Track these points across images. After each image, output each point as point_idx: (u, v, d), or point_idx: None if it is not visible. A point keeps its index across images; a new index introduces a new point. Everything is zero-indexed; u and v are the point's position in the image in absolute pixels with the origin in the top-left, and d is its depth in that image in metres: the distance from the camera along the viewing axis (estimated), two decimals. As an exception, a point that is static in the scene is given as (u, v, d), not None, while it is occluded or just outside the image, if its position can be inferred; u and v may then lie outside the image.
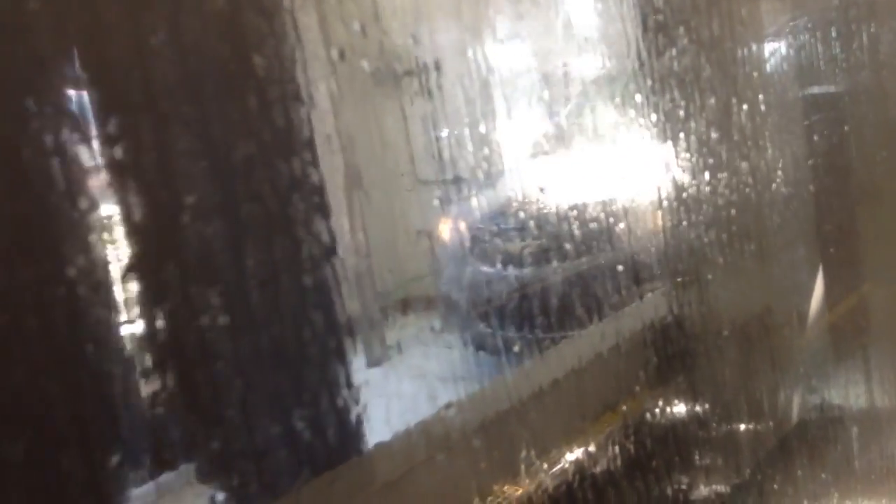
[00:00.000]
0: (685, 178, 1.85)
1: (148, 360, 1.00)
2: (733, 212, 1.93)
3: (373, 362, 1.52)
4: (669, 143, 1.81)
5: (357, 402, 1.20)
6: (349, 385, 1.19)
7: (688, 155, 1.84)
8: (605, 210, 1.73)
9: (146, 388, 1.01)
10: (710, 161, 1.86)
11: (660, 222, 1.84)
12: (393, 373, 1.38)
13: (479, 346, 1.64)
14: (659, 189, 1.81)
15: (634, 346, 1.79)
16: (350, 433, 1.24)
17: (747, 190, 1.97)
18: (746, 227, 2.00)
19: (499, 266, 1.87)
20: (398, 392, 1.32)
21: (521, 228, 1.79)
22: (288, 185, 1.08)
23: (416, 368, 1.39)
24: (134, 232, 0.98)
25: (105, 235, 0.95)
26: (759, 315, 2.12)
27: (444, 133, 1.30)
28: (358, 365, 1.24)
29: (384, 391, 1.31)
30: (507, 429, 1.53)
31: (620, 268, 1.72)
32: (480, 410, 1.47)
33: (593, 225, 1.68)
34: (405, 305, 1.39)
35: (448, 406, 1.35)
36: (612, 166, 1.82)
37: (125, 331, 0.99)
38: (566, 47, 1.67)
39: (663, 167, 1.82)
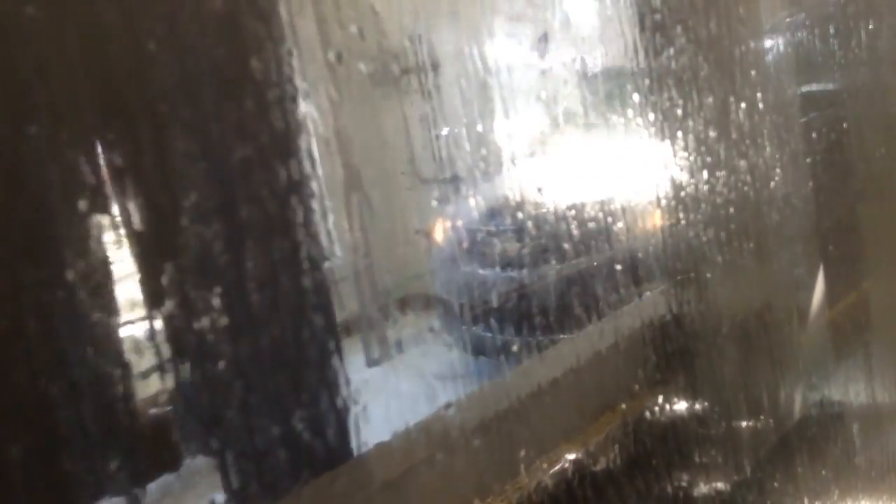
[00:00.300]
0: (684, 177, 1.87)
1: (149, 361, 1.02)
2: (732, 210, 1.96)
3: (372, 362, 1.54)
4: (668, 141, 1.83)
5: (356, 402, 1.22)
6: (348, 385, 1.21)
7: (686, 153, 1.86)
8: (603, 210, 1.75)
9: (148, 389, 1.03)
10: (709, 159, 1.88)
11: (658, 221, 1.86)
12: (392, 372, 1.40)
13: (476, 347, 1.65)
14: (657, 188, 1.83)
15: (633, 345, 1.81)
16: (348, 434, 1.26)
17: (746, 188, 1.99)
18: (746, 225, 2.02)
19: (495, 267, 1.89)
20: (397, 392, 1.34)
21: (518, 229, 1.80)
22: (287, 186, 1.10)
23: (414, 368, 1.41)
24: (137, 234, 1.00)
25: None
26: (759, 313, 2.14)
27: (444, 132, 1.32)
28: (357, 365, 1.26)
29: (383, 391, 1.33)
30: (505, 429, 1.55)
31: (619, 267, 1.74)
32: (478, 410, 1.49)
33: (591, 224, 1.69)
34: (404, 304, 1.41)
35: (447, 406, 1.37)
36: (611, 165, 1.83)
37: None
38: (565, 46, 1.69)
39: (662, 166, 1.84)
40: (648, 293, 1.89)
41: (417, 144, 1.29)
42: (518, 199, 1.66)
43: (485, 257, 1.91)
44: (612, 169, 1.82)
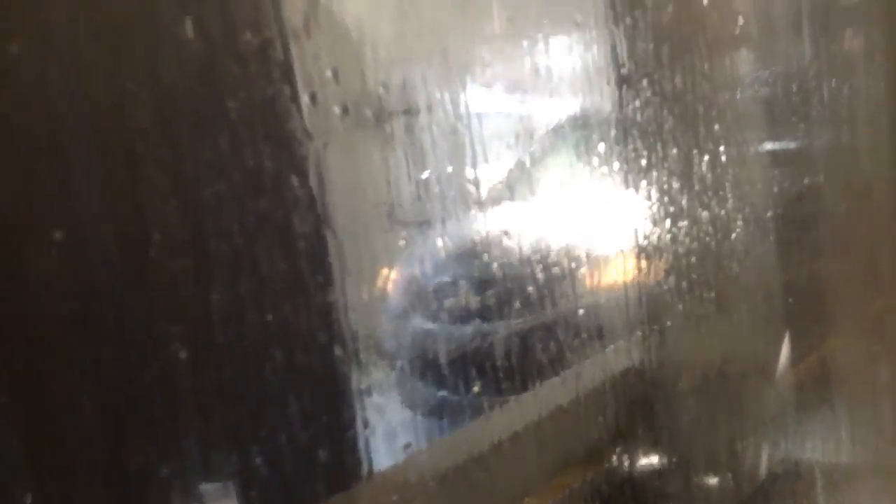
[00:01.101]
0: (649, 228, 1.99)
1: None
2: (694, 260, 2.09)
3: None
4: (634, 191, 1.96)
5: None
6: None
7: (656, 204, 1.99)
8: (570, 258, 1.84)
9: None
10: (672, 210, 2.01)
11: (623, 274, 1.97)
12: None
13: (433, 405, 1.71)
14: (623, 238, 1.95)
15: (596, 398, 1.90)
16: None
17: (709, 240, 2.13)
18: (708, 277, 2.15)
19: (454, 320, 1.95)
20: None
21: (483, 279, 1.85)
22: (266, 227, 1.20)
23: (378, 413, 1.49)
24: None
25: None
26: (721, 368, 2.26)
27: (424, 175, 1.42)
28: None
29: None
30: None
31: (581, 313, 1.84)
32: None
33: (556, 271, 1.79)
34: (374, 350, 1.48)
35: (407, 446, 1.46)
36: (599, 213, 1.93)
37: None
38: (541, 95, 1.79)
39: (631, 216, 1.96)
40: (612, 346, 1.98)
41: (397, 187, 1.39)
42: (488, 246, 1.74)
43: (439, 311, 1.97)
44: (599, 217, 1.91)
